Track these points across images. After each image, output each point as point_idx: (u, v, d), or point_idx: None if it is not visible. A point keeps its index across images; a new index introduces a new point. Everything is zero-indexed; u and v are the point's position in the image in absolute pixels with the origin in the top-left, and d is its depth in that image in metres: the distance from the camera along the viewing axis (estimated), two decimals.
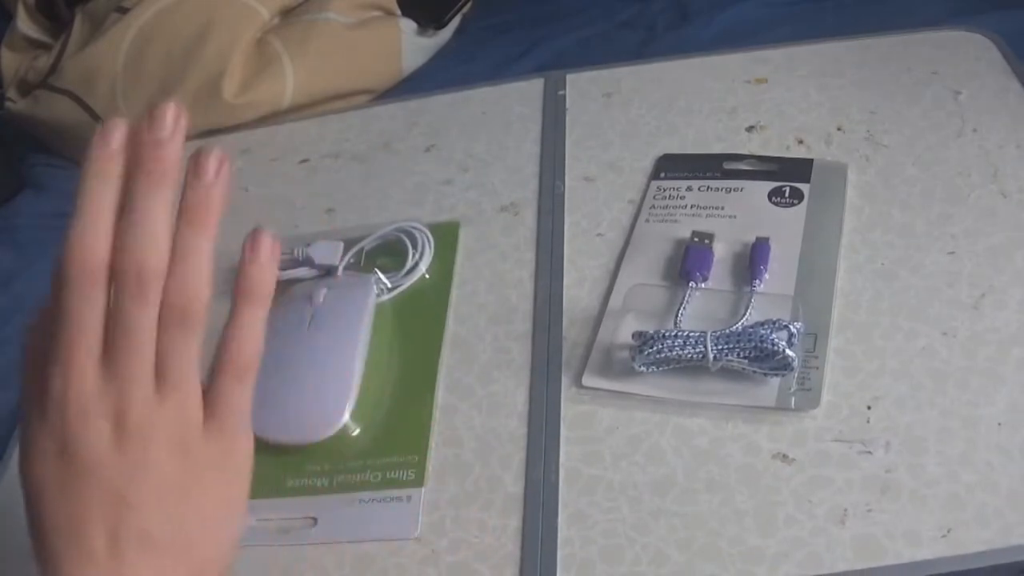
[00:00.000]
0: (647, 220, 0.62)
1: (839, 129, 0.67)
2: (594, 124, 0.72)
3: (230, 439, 0.38)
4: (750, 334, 0.51)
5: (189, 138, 0.89)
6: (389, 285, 0.62)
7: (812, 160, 0.63)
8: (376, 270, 0.62)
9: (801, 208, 0.60)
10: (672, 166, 0.66)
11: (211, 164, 0.39)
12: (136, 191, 0.36)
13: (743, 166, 0.65)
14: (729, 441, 0.50)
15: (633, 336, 0.53)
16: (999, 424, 0.48)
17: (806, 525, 0.46)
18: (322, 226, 0.69)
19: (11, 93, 0.83)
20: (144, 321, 0.36)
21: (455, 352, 0.58)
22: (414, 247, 0.63)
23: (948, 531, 0.45)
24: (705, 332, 0.52)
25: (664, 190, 0.64)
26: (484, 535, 0.49)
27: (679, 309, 0.55)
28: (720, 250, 0.59)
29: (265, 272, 0.40)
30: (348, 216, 0.70)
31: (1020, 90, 0.66)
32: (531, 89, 0.77)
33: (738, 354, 0.51)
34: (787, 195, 0.61)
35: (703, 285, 0.57)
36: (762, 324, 0.51)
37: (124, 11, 0.77)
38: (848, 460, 0.48)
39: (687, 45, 0.79)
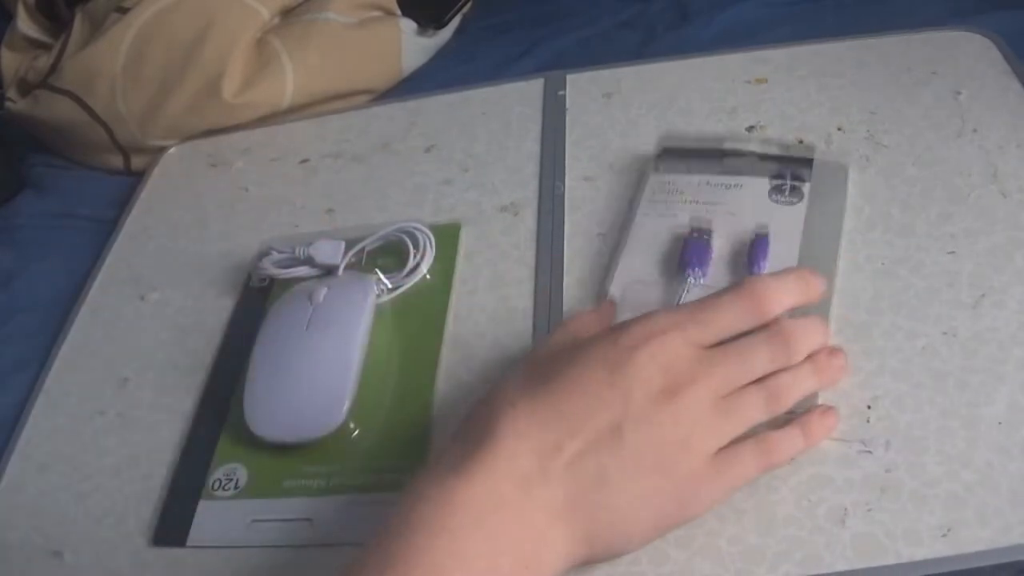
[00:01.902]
0: (646, 214, 0.62)
1: (839, 129, 0.67)
2: (594, 124, 0.72)
3: (717, 481, 0.44)
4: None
5: (189, 138, 0.89)
6: (390, 285, 0.62)
7: (813, 159, 0.63)
8: (377, 270, 0.62)
9: (801, 206, 0.60)
10: (672, 159, 0.66)
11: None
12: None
13: (744, 162, 0.64)
14: None
15: None
16: (999, 423, 0.48)
17: (806, 524, 0.46)
18: (322, 226, 0.69)
19: (11, 93, 0.82)
20: (760, 360, 0.45)
21: (455, 352, 0.58)
22: (416, 248, 0.63)
23: (948, 530, 0.45)
24: None
25: (663, 184, 0.64)
26: None
27: (677, 304, 0.55)
28: (719, 245, 0.59)
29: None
30: (348, 216, 0.70)
31: (1020, 90, 0.66)
32: (531, 89, 0.77)
33: None
34: (787, 193, 0.61)
35: (701, 280, 0.57)
36: None
37: (124, 11, 0.77)
38: (848, 459, 0.48)
39: (687, 45, 0.79)
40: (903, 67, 0.70)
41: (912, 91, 0.68)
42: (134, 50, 0.77)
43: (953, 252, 0.57)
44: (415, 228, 0.64)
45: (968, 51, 0.70)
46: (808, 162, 0.63)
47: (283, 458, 0.54)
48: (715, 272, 0.57)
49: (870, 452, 0.48)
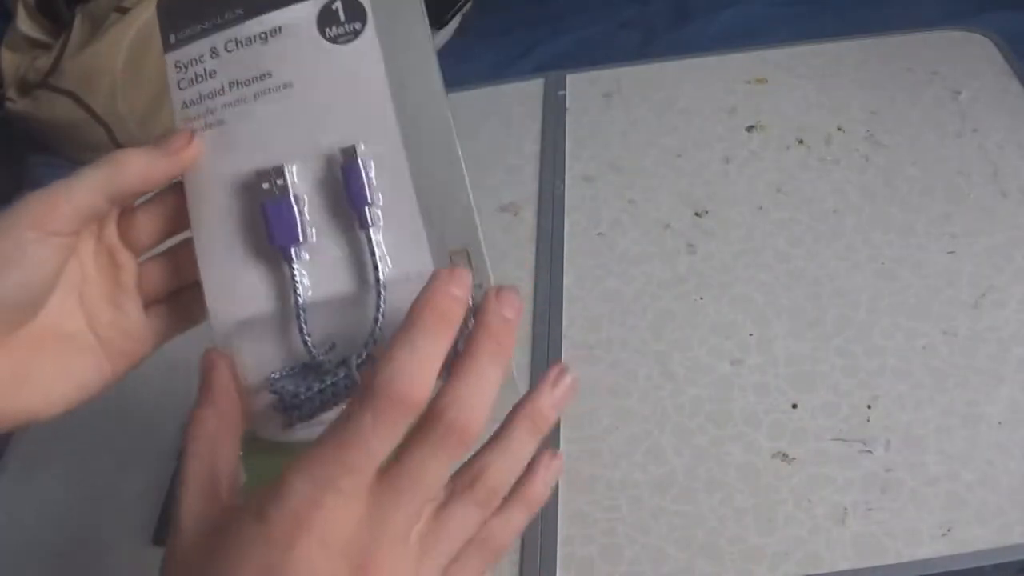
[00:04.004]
0: (199, 168, 0.40)
1: (839, 129, 0.67)
2: (594, 124, 0.72)
3: None
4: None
5: None
6: None
7: None
8: None
9: (369, 37, 0.37)
10: (178, 16, 0.40)
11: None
12: (479, 352, 0.34)
13: None
14: (729, 440, 0.50)
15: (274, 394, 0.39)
16: (999, 423, 0.48)
17: (806, 524, 0.46)
18: None
19: (11, 93, 0.83)
20: (438, 472, 0.34)
21: None
22: None
23: (948, 530, 0.45)
24: (348, 357, 0.37)
25: (185, 69, 0.39)
26: None
27: (301, 322, 0.37)
28: (302, 185, 0.38)
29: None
30: None
31: (1020, 90, 0.66)
32: (531, 89, 0.77)
33: None
34: (343, 17, 0.38)
35: (306, 256, 0.38)
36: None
37: (124, 11, 0.77)
38: (848, 459, 0.48)
39: (687, 45, 0.79)
40: (903, 67, 0.70)
41: (912, 91, 0.68)
42: (134, 50, 0.77)
43: (953, 252, 0.57)
44: None
45: (968, 51, 0.70)
46: None
47: (284, 457, 0.54)
48: (320, 225, 0.38)
49: (870, 451, 0.48)
